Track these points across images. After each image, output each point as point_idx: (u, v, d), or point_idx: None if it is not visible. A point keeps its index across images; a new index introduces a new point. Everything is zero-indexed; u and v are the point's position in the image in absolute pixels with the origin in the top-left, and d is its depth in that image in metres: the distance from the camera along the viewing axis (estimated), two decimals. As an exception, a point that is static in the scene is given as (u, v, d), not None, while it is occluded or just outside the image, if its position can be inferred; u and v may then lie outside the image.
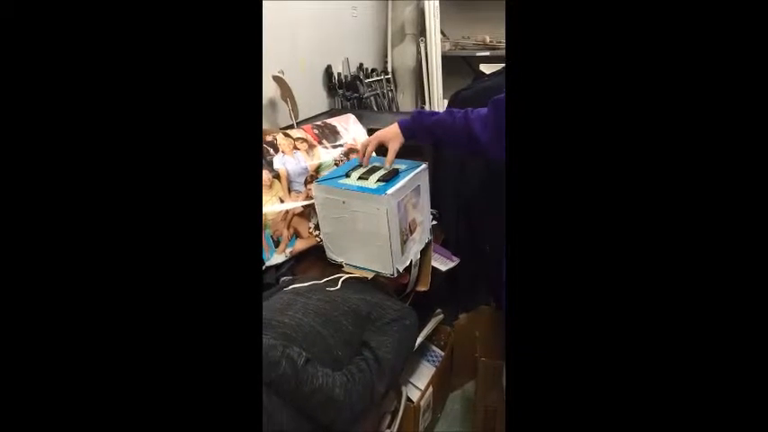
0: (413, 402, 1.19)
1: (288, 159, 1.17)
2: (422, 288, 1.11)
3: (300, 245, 1.17)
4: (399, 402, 1.14)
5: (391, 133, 1.02)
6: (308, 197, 1.17)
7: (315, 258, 1.16)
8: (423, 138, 1.02)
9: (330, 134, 1.30)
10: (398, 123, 1.02)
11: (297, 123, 1.52)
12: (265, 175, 1.12)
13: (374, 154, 1.31)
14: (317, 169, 1.20)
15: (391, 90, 2.23)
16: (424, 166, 1.04)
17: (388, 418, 1.13)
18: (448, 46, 2.32)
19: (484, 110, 0.94)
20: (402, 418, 1.14)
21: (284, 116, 1.58)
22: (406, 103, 2.40)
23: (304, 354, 0.73)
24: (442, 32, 2.26)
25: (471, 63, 2.28)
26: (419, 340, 1.20)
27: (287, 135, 1.23)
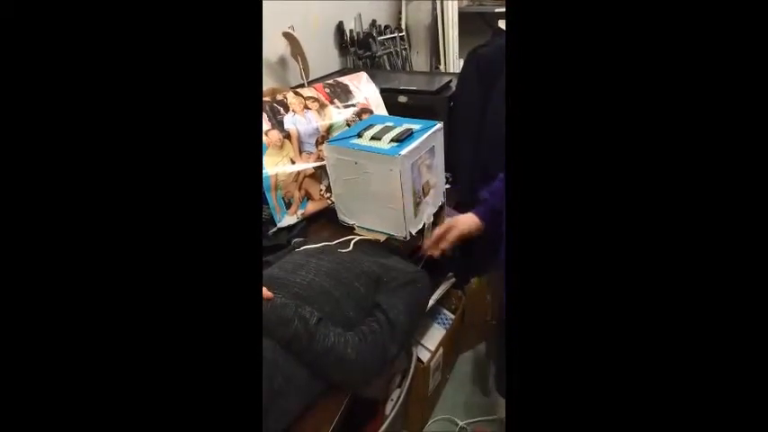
0: (423, 363, 1.20)
1: (299, 119, 1.14)
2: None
3: (312, 207, 1.16)
4: (410, 363, 1.16)
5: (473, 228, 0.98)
6: (320, 158, 1.14)
7: (326, 221, 1.15)
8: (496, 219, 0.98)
9: (342, 93, 1.26)
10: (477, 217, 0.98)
11: (308, 82, 1.48)
12: (276, 135, 1.10)
13: (386, 113, 1.28)
14: (329, 129, 1.17)
15: (405, 48, 2.15)
16: (438, 125, 1.00)
17: (399, 377, 1.15)
18: (465, 2, 2.22)
19: None
20: (412, 378, 1.16)
21: (295, 74, 1.54)
22: (420, 62, 2.32)
23: (316, 313, 0.73)
24: (460, -14, 2.15)
25: (489, 19, 2.18)
26: (430, 303, 1.20)
27: (297, 94, 1.19)
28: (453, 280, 1.36)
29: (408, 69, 2.16)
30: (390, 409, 1.10)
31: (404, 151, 0.89)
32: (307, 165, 1.14)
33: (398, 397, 1.11)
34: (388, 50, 2.01)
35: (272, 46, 1.48)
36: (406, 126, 0.98)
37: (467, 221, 0.98)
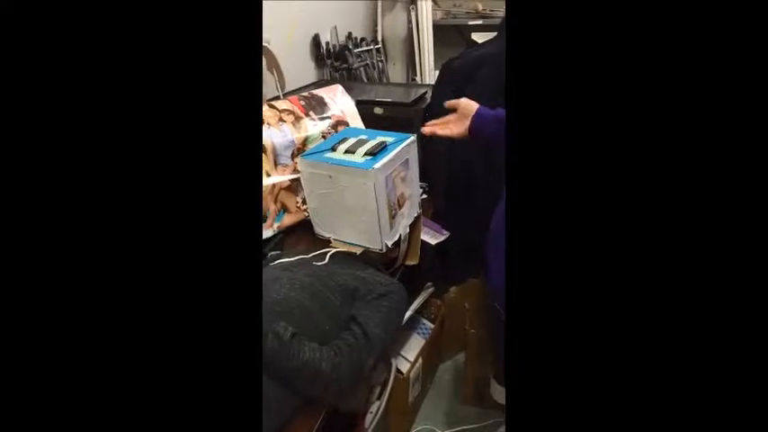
0: (402, 374, 1.20)
1: (274, 132, 1.14)
2: (411, 262, 1.10)
3: (288, 219, 1.16)
4: (389, 374, 1.15)
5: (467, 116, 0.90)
6: (295, 171, 1.14)
7: (303, 233, 1.15)
8: (489, 127, 0.89)
9: (317, 106, 1.27)
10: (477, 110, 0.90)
11: (283, 95, 1.48)
12: (250, 148, 1.10)
13: (362, 126, 1.29)
14: (304, 142, 1.17)
15: (381, 60, 2.17)
16: (412, 138, 1.01)
17: (378, 389, 1.14)
18: (439, 14, 2.26)
19: None
20: (392, 389, 1.16)
21: (270, 87, 1.54)
22: (396, 73, 2.35)
23: (290, 328, 0.73)
24: (434, 0, 2.19)
25: (463, 32, 2.23)
26: (409, 313, 1.20)
27: (272, 107, 1.19)
28: (432, 289, 1.37)
29: (385, 81, 2.18)
30: (370, 421, 1.10)
31: (378, 165, 0.89)
32: (282, 177, 1.14)
33: (378, 409, 1.11)
34: (364, 62, 2.02)
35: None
36: (379, 139, 0.99)
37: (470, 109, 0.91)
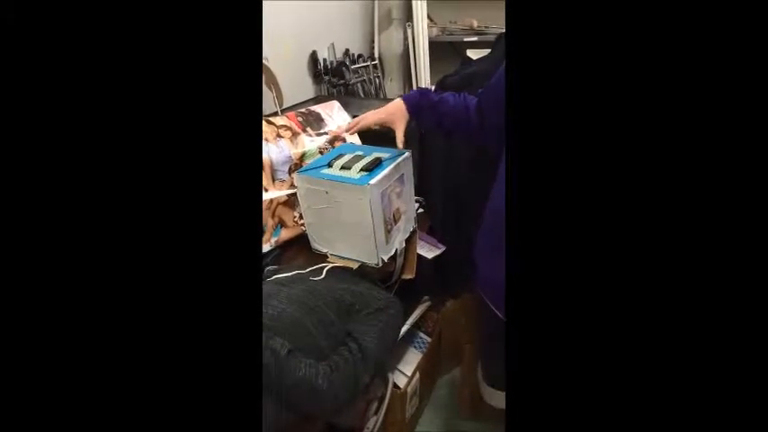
0: (399, 389, 1.20)
1: (271, 147, 1.15)
2: (408, 276, 1.11)
3: (286, 234, 1.17)
4: (386, 389, 1.15)
5: (397, 112, 0.95)
6: (293, 186, 1.16)
7: (300, 247, 1.16)
8: (427, 115, 0.95)
9: (314, 122, 1.28)
10: (403, 99, 0.95)
11: (281, 110, 1.50)
12: (248, 164, 1.11)
13: (359, 142, 1.30)
14: (302, 158, 1.19)
15: (378, 76, 2.20)
16: (407, 154, 1.03)
17: (375, 404, 1.14)
18: (435, 31, 2.29)
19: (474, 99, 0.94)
20: (389, 404, 1.15)
21: (268, 103, 1.56)
22: (393, 89, 2.38)
23: (287, 344, 0.73)
24: (429, 17, 2.23)
25: (458, 48, 2.26)
26: (406, 327, 1.20)
27: (270, 123, 1.21)
28: (428, 303, 1.38)
29: (382, 97, 2.21)
30: (367, 437, 1.09)
31: (373, 180, 0.91)
32: (280, 192, 1.15)
33: (375, 425, 1.10)
34: (361, 78, 2.05)
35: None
36: (375, 155, 1.00)
37: (387, 107, 0.99)
